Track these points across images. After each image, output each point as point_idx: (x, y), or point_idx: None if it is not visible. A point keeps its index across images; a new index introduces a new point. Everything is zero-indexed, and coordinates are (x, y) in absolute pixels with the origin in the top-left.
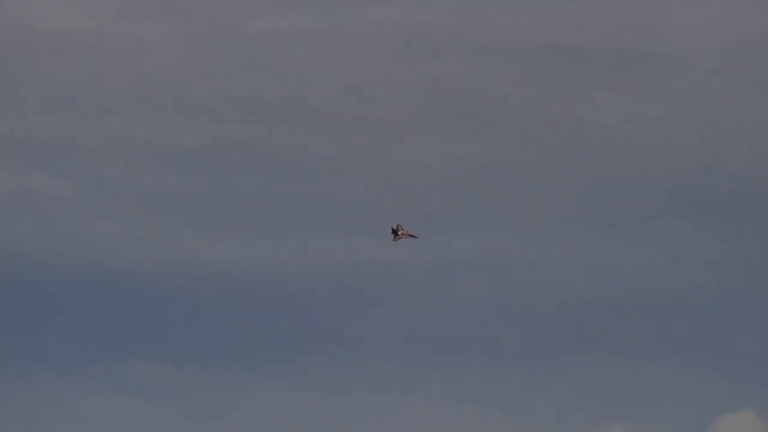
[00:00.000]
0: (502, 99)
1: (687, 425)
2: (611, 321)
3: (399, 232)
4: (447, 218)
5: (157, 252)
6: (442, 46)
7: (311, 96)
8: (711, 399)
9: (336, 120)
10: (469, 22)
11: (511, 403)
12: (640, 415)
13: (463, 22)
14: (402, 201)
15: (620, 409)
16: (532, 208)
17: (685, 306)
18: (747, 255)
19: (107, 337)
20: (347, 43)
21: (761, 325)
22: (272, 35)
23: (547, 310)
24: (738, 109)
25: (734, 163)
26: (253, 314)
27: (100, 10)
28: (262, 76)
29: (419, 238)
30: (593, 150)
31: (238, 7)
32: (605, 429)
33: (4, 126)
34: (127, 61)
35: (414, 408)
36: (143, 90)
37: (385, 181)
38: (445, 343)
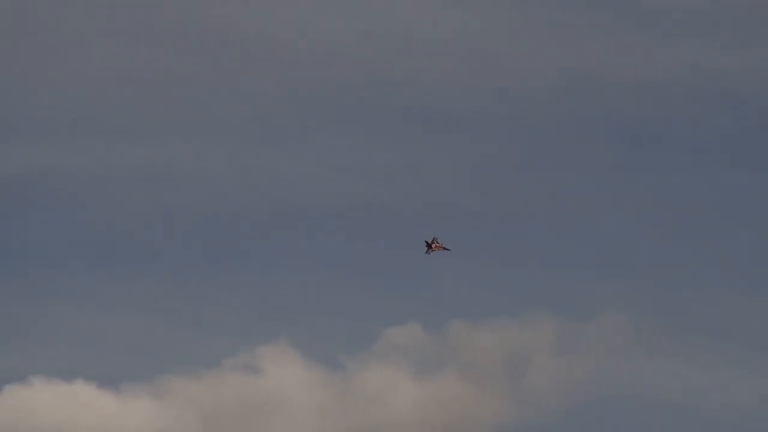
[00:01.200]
0: (164, 5)
1: (356, 338)
2: (274, 231)
3: (433, 245)
4: (111, 126)
5: None
6: None
7: None
8: (379, 313)
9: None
10: None
11: (175, 313)
12: (307, 327)
13: None
14: (68, 107)
15: (286, 322)
16: (195, 117)
17: (348, 217)
18: (412, 166)
19: None
20: None
21: (424, 237)
22: None
23: (210, 219)
24: (397, 17)
25: (397, 74)
26: None
27: None
28: None
29: (451, 250)
30: (258, 58)
31: None
32: (271, 341)
33: None
34: None
35: (81, 316)
36: None
37: (51, 88)
38: (109, 251)
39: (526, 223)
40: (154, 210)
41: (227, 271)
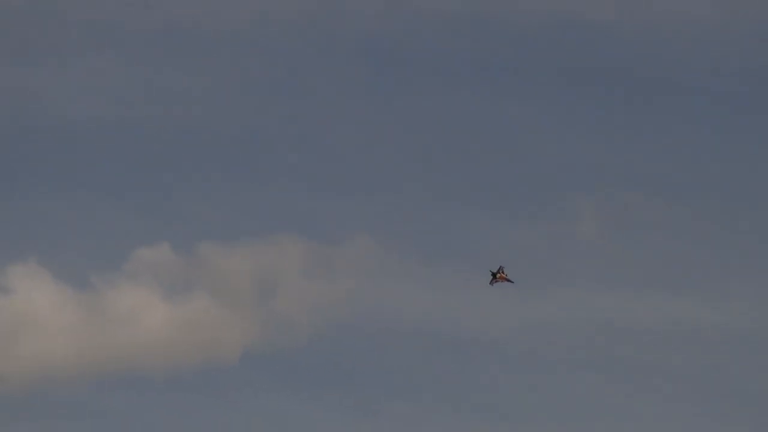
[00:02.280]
0: None
1: (105, 258)
2: (20, 150)
3: (497, 275)
4: None
5: None
6: None
7: None
8: (128, 233)
9: None
10: None
11: None
12: (56, 247)
13: None
14: None
15: (35, 242)
16: None
17: (99, 137)
18: (162, 87)
19: None
20: None
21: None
22: None
23: None
24: None
25: None
26: None
27: None
28: None
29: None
30: None
31: None
32: (19, 260)
33: None
34: None
35: None
36: None
37: None
38: None
39: (276, 144)
40: None
41: None
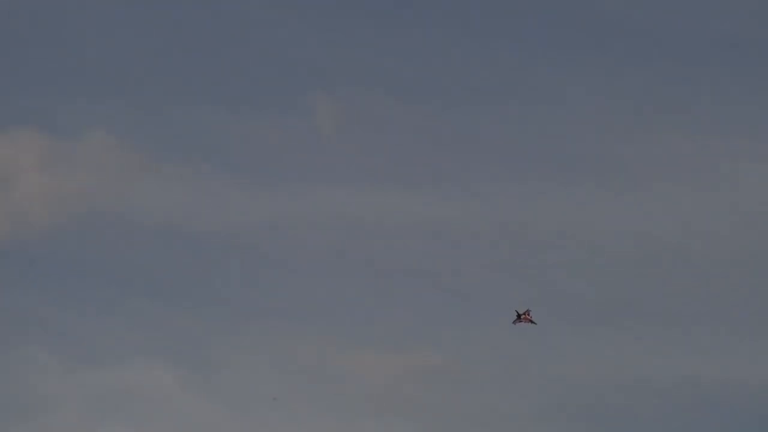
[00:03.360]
0: None
1: None
2: None
3: (522, 316)
4: None
5: None
6: None
7: None
8: None
9: None
10: None
11: None
12: None
13: None
14: None
15: None
16: None
17: None
18: None
19: None
20: None
21: None
22: None
23: None
24: None
25: None
26: None
27: None
28: None
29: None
30: None
31: None
32: None
33: None
34: None
35: None
36: None
37: None
38: None
39: (13, 38)
40: None
41: None
